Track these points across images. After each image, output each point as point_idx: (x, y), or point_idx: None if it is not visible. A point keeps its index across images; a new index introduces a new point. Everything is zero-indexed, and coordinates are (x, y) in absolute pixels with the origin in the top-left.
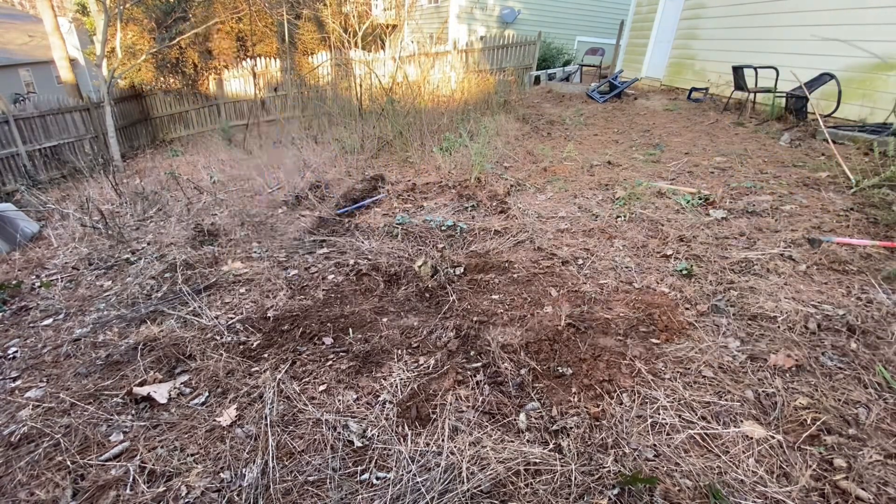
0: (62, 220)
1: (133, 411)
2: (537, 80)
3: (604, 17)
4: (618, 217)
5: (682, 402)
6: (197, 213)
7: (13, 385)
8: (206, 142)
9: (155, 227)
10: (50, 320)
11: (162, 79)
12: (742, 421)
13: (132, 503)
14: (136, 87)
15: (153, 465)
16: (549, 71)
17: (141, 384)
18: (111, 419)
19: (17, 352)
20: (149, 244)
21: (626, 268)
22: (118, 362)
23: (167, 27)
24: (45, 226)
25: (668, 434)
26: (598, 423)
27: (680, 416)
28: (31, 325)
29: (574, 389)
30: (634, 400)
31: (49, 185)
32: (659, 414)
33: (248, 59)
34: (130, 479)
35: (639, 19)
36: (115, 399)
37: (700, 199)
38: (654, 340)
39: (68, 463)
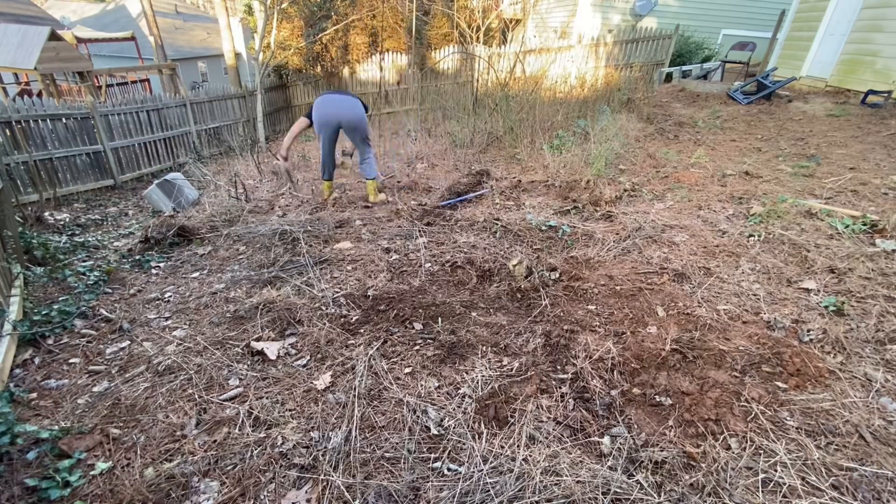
0: (215, 190)
1: (248, 362)
2: (668, 77)
3: (757, 8)
4: (750, 236)
5: (807, 462)
6: (321, 192)
7: (165, 323)
8: None
9: (284, 202)
10: (196, 274)
11: (311, 68)
12: (890, 501)
13: (240, 442)
14: (281, 77)
15: (258, 412)
16: (684, 68)
17: (257, 339)
18: (231, 366)
19: (171, 297)
20: (277, 217)
21: (754, 295)
22: (242, 318)
23: (312, 24)
24: (203, 194)
25: (784, 496)
26: (693, 464)
27: (804, 479)
28: (183, 276)
29: (671, 422)
30: (745, 448)
31: (209, 160)
32: (775, 470)
33: (378, 54)
34: (240, 421)
35: (806, 8)
36: (236, 349)
37: (864, 224)
38: (779, 384)
39: (196, 397)
